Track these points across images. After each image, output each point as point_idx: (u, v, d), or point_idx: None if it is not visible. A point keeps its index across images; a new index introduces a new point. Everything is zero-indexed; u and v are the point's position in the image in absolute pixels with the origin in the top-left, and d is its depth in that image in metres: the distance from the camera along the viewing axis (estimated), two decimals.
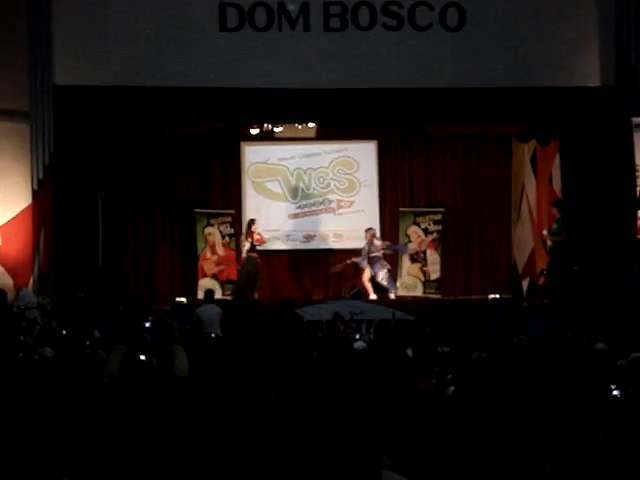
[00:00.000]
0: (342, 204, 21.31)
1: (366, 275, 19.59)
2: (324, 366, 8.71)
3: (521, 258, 20.90)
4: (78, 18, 16.70)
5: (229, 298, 19.90)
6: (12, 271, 16.33)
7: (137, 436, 5.92)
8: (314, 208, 21.21)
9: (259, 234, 19.54)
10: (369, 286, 19.46)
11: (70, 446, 5.33)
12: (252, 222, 19.70)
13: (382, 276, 19.52)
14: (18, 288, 15.95)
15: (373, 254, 19.55)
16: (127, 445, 5.81)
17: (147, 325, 7.58)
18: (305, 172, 21.40)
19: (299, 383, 7.54)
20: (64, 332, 11.71)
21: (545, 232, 19.02)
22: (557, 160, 18.85)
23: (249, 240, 19.43)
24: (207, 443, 5.50)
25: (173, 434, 5.80)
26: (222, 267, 20.67)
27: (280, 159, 21.39)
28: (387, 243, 20.06)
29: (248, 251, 19.47)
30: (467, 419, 6.01)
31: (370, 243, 19.61)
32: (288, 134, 21.05)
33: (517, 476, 5.00)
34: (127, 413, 6.38)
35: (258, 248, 19.59)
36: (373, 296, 19.27)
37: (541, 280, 19.19)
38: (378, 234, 21.06)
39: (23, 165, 16.51)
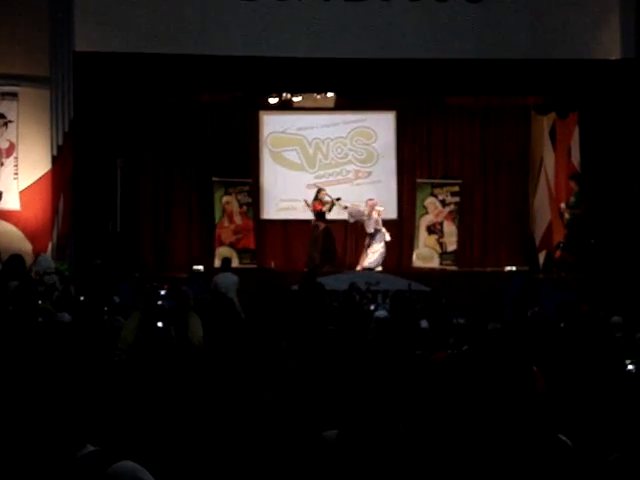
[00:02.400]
0: (360, 174, 21.32)
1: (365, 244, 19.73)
2: (340, 335, 8.76)
3: (538, 231, 20.91)
4: None
5: (246, 266, 20.05)
6: (31, 236, 16.42)
7: (151, 402, 5.98)
8: (332, 178, 21.22)
9: (321, 202, 19.70)
10: (362, 256, 19.60)
11: (92, 412, 5.38)
12: (319, 191, 19.93)
13: (375, 249, 19.49)
14: (37, 253, 16.02)
15: (369, 230, 19.56)
16: (143, 411, 5.86)
17: (162, 293, 7.61)
18: (323, 142, 21.41)
19: (315, 351, 7.59)
20: (82, 298, 11.76)
21: (563, 205, 19.02)
22: (576, 133, 18.81)
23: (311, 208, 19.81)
24: (219, 409, 5.55)
25: (187, 400, 5.85)
26: (239, 235, 20.72)
27: (298, 129, 21.41)
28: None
29: (314, 220, 19.79)
30: (481, 389, 6.04)
31: (369, 215, 19.59)
32: (307, 104, 21.05)
33: (531, 447, 5.03)
34: (141, 379, 6.44)
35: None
36: (364, 263, 19.42)
37: (558, 253, 19.19)
38: (394, 205, 21.12)
39: (43, 131, 16.55)
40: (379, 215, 19.62)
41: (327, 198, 19.80)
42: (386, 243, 19.64)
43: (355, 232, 20.87)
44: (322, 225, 19.79)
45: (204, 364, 6.62)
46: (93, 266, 15.97)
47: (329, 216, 20.06)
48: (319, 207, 19.72)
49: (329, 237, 20.01)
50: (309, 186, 20.88)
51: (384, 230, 19.63)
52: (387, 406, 4.96)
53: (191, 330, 7.08)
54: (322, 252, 19.68)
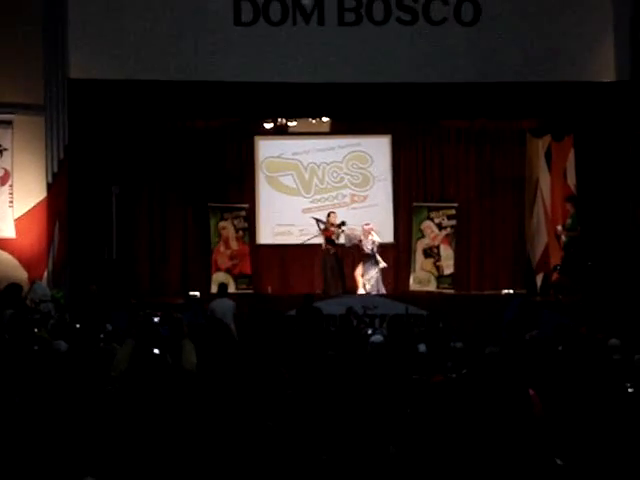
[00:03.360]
0: (356, 199, 21.31)
1: (358, 269, 19.62)
2: (338, 360, 8.73)
3: (535, 253, 20.86)
4: (93, 12, 16.70)
5: (243, 292, 19.98)
6: (26, 264, 16.35)
7: (145, 429, 5.94)
8: (327, 203, 21.20)
9: (329, 229, 19.63)
10: (359, 280, 19.49)
11: (92, 443, 5.34)
12: (328, 215, 19.84)
13: (371, 275, 19.39)
14: (32, 281, 15.95)
15: (367, 251, 19.41)
16: (141, 440, 5.82)
17: (156, 320, 7.59)
18: (319, 166, 21.41)
19: (314, 377, 7.56)
20: (77, 325, 11.71)
21: (559, 227, 19.00)
22: (572, 155, 18.82)
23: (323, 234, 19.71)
24: (215, 433, 5.52)
25: (180, 426, 5.82)
26: (236, 261, 20.68)
27: (294, 153, 21.41)
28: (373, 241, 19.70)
29: (325, 244, 19.70)
30: (479, 413, 6.01)
31: (366, 238, 19.49)
32: (302, 128, 21.05)
33: (527, 470, 5.00)
34: (136, 406, 6.41)
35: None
36: (361, 291, 19.30)
37: (555, 275, 19.16)
38: (391, 229, 21.05)
39: (38, 158, 16.52)
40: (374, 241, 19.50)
41: (337, 221, 19.74)
42: (382, 270, 19.53)
43: (351, 256, 20.80)
44: (332, 249, 19.69)
45: (198, 390, 6.59)
46: (89, 291, 15.93)
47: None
48: (329, 233, 19.63)
49: (340, 261, 19.94)
50: (305, 210, 20.88)
51: (379, 258, 19.48)
52: (378, 429, 4.94)
53: (184, 356, 7.07)
54: (339, 277, 19.66)
